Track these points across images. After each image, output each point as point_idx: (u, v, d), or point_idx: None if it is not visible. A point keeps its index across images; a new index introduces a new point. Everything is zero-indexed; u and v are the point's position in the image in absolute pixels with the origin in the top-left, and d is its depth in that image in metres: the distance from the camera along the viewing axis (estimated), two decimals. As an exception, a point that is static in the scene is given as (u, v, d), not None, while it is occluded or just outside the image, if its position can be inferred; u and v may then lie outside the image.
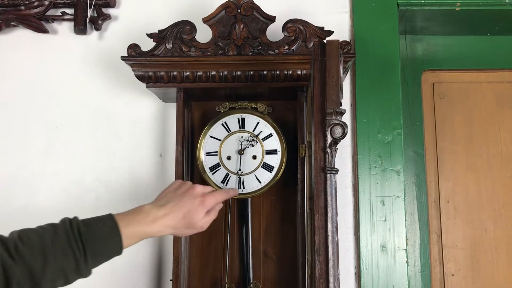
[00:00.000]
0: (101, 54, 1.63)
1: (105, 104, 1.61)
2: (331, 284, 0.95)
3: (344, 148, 1.54)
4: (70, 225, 0.97)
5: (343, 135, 0.98)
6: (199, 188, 1.14)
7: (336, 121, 0.98)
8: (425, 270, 1.66)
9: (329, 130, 0.99)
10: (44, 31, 1.62)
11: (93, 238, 0.96)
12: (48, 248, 0.92)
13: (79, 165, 1.58)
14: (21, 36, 1.64)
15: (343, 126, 0.98)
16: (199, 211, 1.10)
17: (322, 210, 0.98)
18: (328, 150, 0.99)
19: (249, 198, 1.46)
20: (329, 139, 0.99)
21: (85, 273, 0.96)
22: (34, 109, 1.61)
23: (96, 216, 1.02)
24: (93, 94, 1.61)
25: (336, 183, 0.99)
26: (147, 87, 1.39)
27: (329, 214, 0.98)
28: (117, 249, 0.99)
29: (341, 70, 1.01)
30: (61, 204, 1.57)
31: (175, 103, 1.43)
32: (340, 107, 0.99)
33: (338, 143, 1.00)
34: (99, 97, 1.61)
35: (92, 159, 1.58)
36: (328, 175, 0.98)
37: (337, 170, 0.99)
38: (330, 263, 0.96)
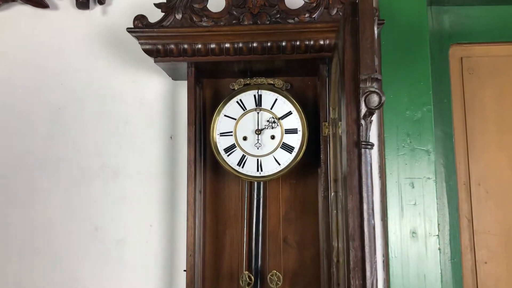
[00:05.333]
0: (106, 30, 1.52)
1: (110, 84, 1.50)
2: (367, 273, 0.84)
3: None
4: None
5: (380, 104, 0.86)
6: None
7: (371, 89, 0.87)
8: (456, 257, 1.55)
9: (363, 99, 0.87)
10: (44, 6, 1.51)
11: None
12: None
13: (84, 150, 1.48)
14: (20, 11, 1.53)
15: (380, 94, 0.86)
16: None
17: (357, 190, 0.87)
18: (362, 122, 0.87)
19: (267, 182, 1.34)
20: (363, 110, 0.87)
21: None
22: (35, 91, 1.51)
23: None
24: (98, 73, 1.51)
25: (371, 159, 0.88)
26: (155, 61, 1.28)
27: (365, 195, 0.86)
28: None
29: (376, 31, 0.89)
30: (66, 191, 1.47)
31: (186, 81, 1.32)
32: (376, 73, 0.87)
33: (373, 114, 0.88)
34: (104, 76, 1.50)
35: (98, 144, 1.48)
36: (363, 150, 0.87)
37: (372, 145, 0.88)
38: (367, 249, 0.85)
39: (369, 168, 0.87)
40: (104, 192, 1.46)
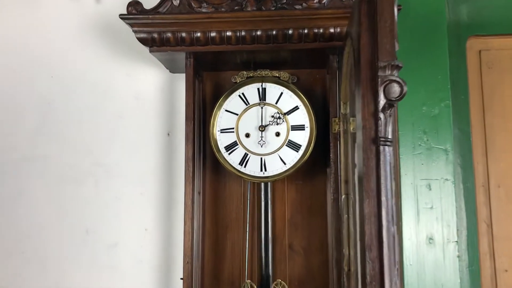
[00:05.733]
0: (99, 19, 1.42)
1: (103, 76, 1.40)
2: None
3: (383, 123, 1.32)
4: None
5: (401, 95, 0.75)
6: None
7: (391, 77, 0.76)
8: (474, 264, 1.43)
9: (382, 89, 0.76)
10: (33, -8, 1.41)
11: None
12: None
13: (74, 147, 1.38)
14: (8, -2, 1.44)
15: (401, 83, 0.75)
16: None
17: (374, 193, 0.76)
18: (381, 115, 0.77)
19: (271, 183, 1.24)
20: (382, 101, 0.76)
21: None
22: (23, 83, 1.41)
23: None
24: (90, 65, 1.41)
25: (391, 158, 0.77)
26: (150, 51, 1.18)
27: (383, 198, 0.76)
28: None
29: (396, 13, 0.78)
30: (55, 191, 1.37)
31: (184, 74, 1.21)
32: (396, 60, 0.77)
33: (393, 107, 0.77)
34: (96, 68, 1.41)
35: (89, 140, 1.38)
36: (381, 147, 0.76)
37: (391, 141, 0.77)
38: (385, 261, 0.74)
39: (388, 168, 0.77)
40: (95, 192, 1.36)
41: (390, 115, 0.78)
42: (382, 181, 0.76)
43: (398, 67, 0.77)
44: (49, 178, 1.38)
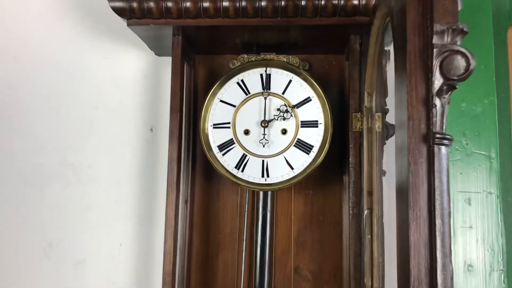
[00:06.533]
0: (73, -9, 1.19)
1: (75, 59, 1.19)
2: None
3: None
4: None
5: (467, 72, 0.52)
6: None
7: (453, 47, 0.52)
8: (516, 296, 1.19)
9: (438, 63, 0.53)
10: (-5, -43, 1.18)
11: None
12: None
13: (38, 142, 1.15)
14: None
15: (467, 54, 0.52)
16: None
17: (425, 214, 0.52)
18: (437, 101, 0.53)
19: (274, 192, 1.00)
20: (438, 81, 0.53)
21: None
22: (-19, 65, 1.18)
23: None
24: (60, 45, 1.20)
25: (448, 163, 0.53)
26: (129, 25, 0.95)
27: (438, 221, 0.52)
28: None
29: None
30: (13, 196, 1.13)
31: (172, 57, 1.00)
32: (460, 22, 0.53)
33: (455, 89, 0.54)
34: (67, 50, 1.19)
35: (57, 135, 1.15)
36: (436, 148, 0.52)
37: (450, 140, 0.53)
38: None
39: (445, 177, 0.53)
40: (62, 198, 1.14)
41: (448, 102, 0.54)
42: (437, 196, 0.53)
43: (462, 32, 0.53)
44: (5, 180, 1.15)
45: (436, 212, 0.52)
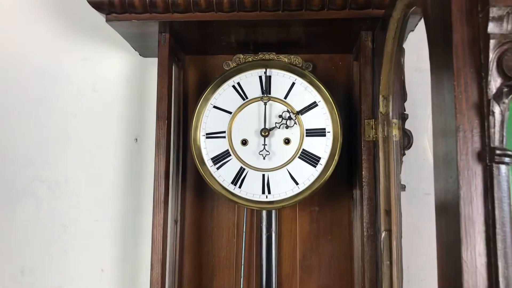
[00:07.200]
0: (48, -15, 1.07)
1: (51, 61, 1.06)
2: None
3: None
4: None
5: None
6: None
7: (515, 38, 0.41)
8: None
9: (495, 58, 0.41)
10: None
11: None
12: None
13: (10, 155, 1.03)
14: None
15: (533, 48, 0.41)
16: None
17: (483, 253, 0.40)
18: (495, 107, 0.41)
19: (277, 210, 0.89)
20: (496, 82, 0.41)
21: None
22: None
23: None
24: (34, 46, 1.08)
25: (510, 187, 0.42)
26: (108, 20, 0.84)
27: (500, 252, 0.40)
28: None
29: None
30: (-18, 215, 1.01)
31: (159, 57, 0.88)
32: (521, 6, 0.42)
33: (517, 91, 0.42)
34: (42, 51, 1.08)
35: (30, 147, 1.03)
36: (495, 167, 0.41)
37: (511, 156, 0.42)
38: None
39: (507, 202, 0.41)
40: (36, 217, 1.02)
41: (508, 109, 0.42)
42: (498, 224, 0.41)
43: (526, 18, 0.42)
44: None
45: (497, 238, 0.40)
